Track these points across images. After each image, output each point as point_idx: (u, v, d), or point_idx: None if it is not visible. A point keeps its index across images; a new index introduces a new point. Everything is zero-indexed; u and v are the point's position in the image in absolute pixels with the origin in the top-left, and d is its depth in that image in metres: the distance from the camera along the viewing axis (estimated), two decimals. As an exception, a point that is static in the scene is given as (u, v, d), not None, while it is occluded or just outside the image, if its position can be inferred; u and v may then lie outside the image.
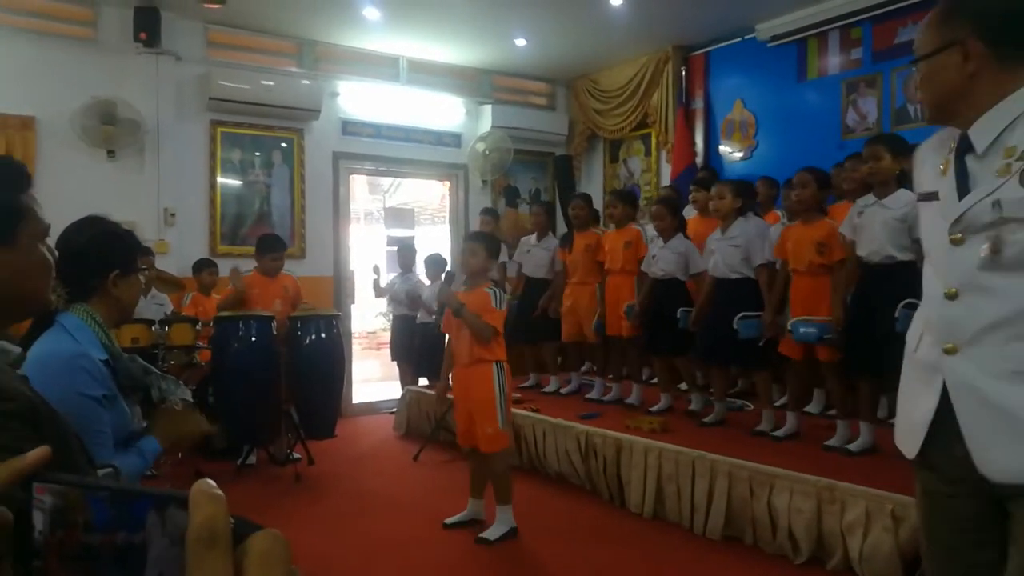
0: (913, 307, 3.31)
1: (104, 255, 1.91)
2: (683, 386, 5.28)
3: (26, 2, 5.67)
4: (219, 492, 0.48)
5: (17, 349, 1.32)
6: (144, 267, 2.07)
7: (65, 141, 5.61)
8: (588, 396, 5.59)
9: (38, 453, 0.58)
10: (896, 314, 3.44)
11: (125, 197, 5.64)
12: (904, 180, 3.77)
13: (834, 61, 5.94)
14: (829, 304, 3.99)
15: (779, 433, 4.24)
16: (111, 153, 5.79)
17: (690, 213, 5.62)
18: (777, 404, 4.73)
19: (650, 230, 5.24)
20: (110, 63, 5.84)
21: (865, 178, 3.85)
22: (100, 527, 0.52)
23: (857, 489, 3.21)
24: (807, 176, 4.11)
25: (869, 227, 3.66)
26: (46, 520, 0.55)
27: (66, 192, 5.06)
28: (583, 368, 6.14)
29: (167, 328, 4.58)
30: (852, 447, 3.84)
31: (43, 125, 5.58)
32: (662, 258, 4.88)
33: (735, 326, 4.28)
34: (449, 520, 3.85)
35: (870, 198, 3.72)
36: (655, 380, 5.59)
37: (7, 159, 1.30)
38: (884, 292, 3.54)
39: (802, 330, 3.98)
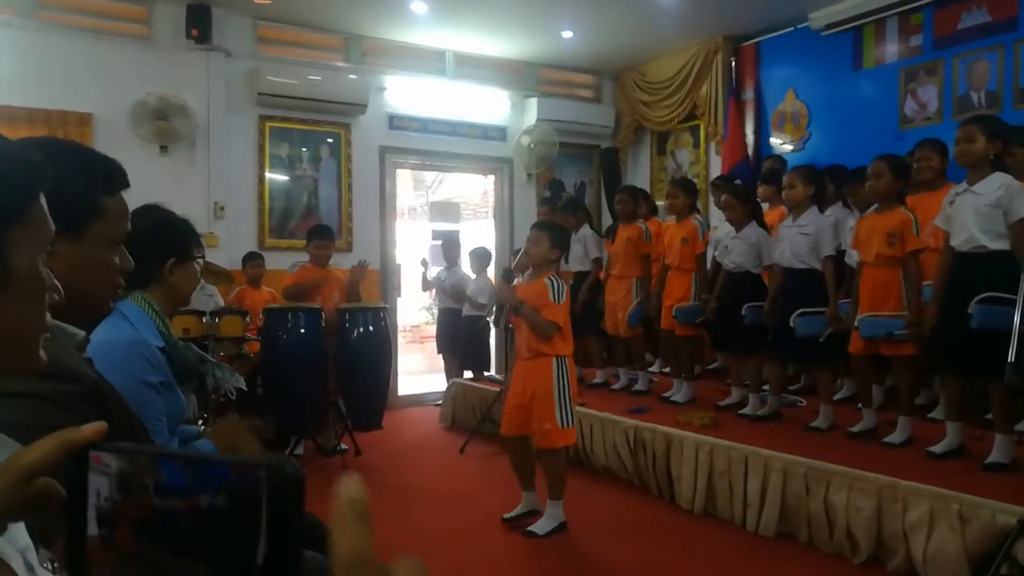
0: (992, 301, 3.19)
1: (161, 243, 1.92)
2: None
3: (82, 1, 5.79)
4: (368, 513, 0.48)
5: (81, 332, 1.33)
6: (200, 256, 2.08)
7: (120, 137, 5.72)
8: (635, 388, 5.53)
9: (94, 427, 0.57)
10: (970, 310, 3.27)
11: (177, 191, 5.72)
12: (999, 163, 3.57)
13: (892, 49, 5.75)
14: (896, 298, 3.82)
15: (856, 429, 4.07)
16: (164, 148, 5.90)
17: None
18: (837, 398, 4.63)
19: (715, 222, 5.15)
20: (163, 60, 5.94)
21: (955, 159, 3.58)
22: (175, 490, 0.51)
23: (920, 488, 3.09)
24: (882, 165, 3.89)
25: (960, 215, 3.45)
26: (112, 485, 0.53)
27: (121, 186, 5.18)
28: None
29: (217, 319, 4.64)
30: (936, 449, 3.62)
31: (99, 121, 5.71)
32: (735, 249, 4.74)
33: (791, 323, 4.17)
34: (507, 515, 3.80)
35: (962, 185, 3.51)
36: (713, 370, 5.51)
37: (104, 158, 1.29)
38: (973, 284, 3.33)
39: (870, 326, 3.83)
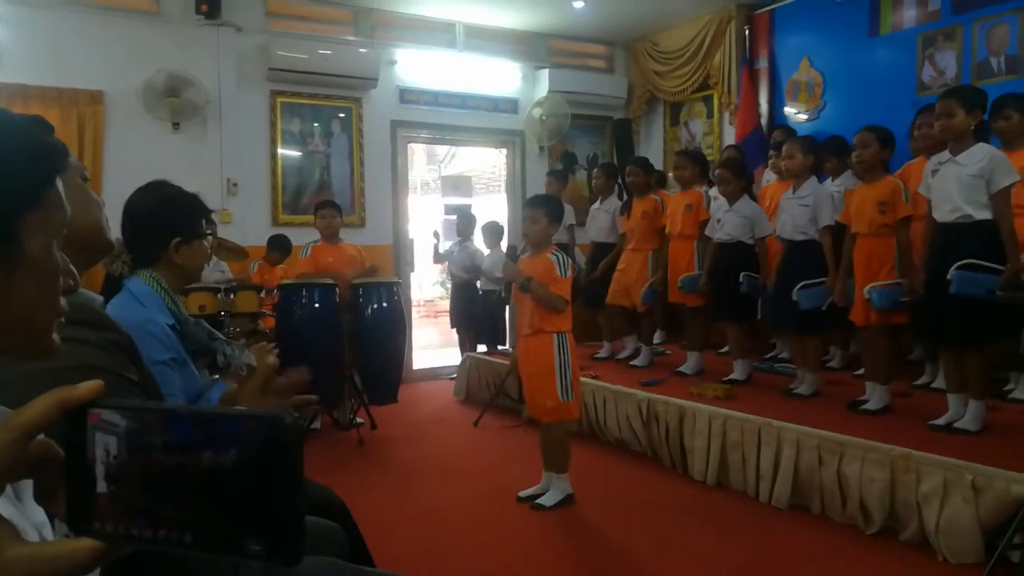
0: (973, 268, 3.21)
1: (166, 221, 1.92)
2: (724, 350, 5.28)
3: (91, -22, 5.78)
4: None
5: (99, 298, 1.36)
6: (210, 232, 2.09)
7: (132, 114, 5.74)
8: (633, 363, 5.54)
9: (90, 384, 0.57)
10: (949, 276, 3.29)
11: (190, 168, 5.75)
12: (983, 133, 3.57)
13: (910, 14, 5.63)
14: (890, 267, 3.85)
15: (871, 406, 4.05)
16: (176, 125, 5.90)
17: (770, 178, 5.50)
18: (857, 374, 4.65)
19: (714, 193, 5.12)
20: (173, 36, 5.92)
21: (937, 136, 3.65)
22: (183, 447, 0.52)
23: (934, 458, 3.08)
24: (868, 135, 3.93)
25: (942, 185, 3.48)
26: (121, 444, 0.55)
27: (134, 164, 5.22)
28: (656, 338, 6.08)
29: (232, 295, 4.67)
30: (938, 422, 3.63)
31: (111, 99, 5.71)
32: (727, 222, 4.77)
33: (794, 297, 4.16)
34: (523, 493, 3.81)
35: (944, 155, 3.53)
36: (725, 349, 5.51)
37: (28, 114, 1.32)
38: (956, 253, 3.36)
39: (880, 296, 3.81)
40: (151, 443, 0.53)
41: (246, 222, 6.16)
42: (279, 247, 5.92)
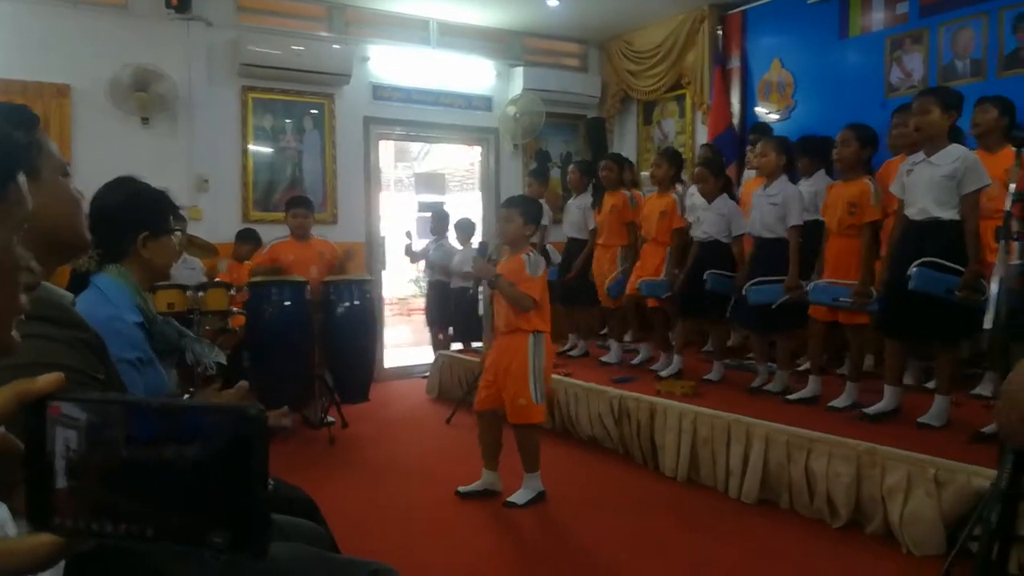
0: (933, 266, 3.29)
1: (132, 216, 1.90)
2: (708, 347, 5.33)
3: (58, -31, 5.68)
4: None
5: (69, 295, 1.34)
6: (179, 229, 2.06)
7: (99, 109, 5.65)
8: (603, 359, 5.57)
9: (49, 378, 0.56)
10: (909, 272, 3.36)
11: (159, 164, 5.68)
12: (956, 135, 3.64)
13: (878, 17, 5.72)
14: (857, 267, 3.91)
15: (793, 396, 4.15)
16: (145, 120, 5.82)
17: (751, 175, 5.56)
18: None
19: (691, 191, 5.17)
20: (142, 30, 5.84)
21: (912, 133, 3.71)
22: (146, 439, 0.52)
23: (899, 453, 3.14)
24: (849, 133, 3.99)
25: (916, 185, 3.54)
26: (81, 437, 0.54)
27: (101, 159, 5.12)
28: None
29: (202, 293, 4.62)
30: (870, 410, 3.75)
31: (78, 93, 5.62)
32: (706, 220, 4.80)
33: (744, 292, 4.23)
34: (463, 489, 3.81)
35: (919, 155, 3.59)
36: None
37: (13, 104, 1.30)
38: (921, 251, 3.42)
39: (819, 293, 3.90)
40: (112, 436, 0.53)
41: (217, 219, 6.09)
42: (248, 239, 5.85)
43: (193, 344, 2.02)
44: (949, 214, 3.42)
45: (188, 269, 5.28)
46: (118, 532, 0.52)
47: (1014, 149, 3.77)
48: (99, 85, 5.61)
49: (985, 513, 1.73)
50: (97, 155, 5.34)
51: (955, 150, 3.46)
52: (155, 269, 1.96)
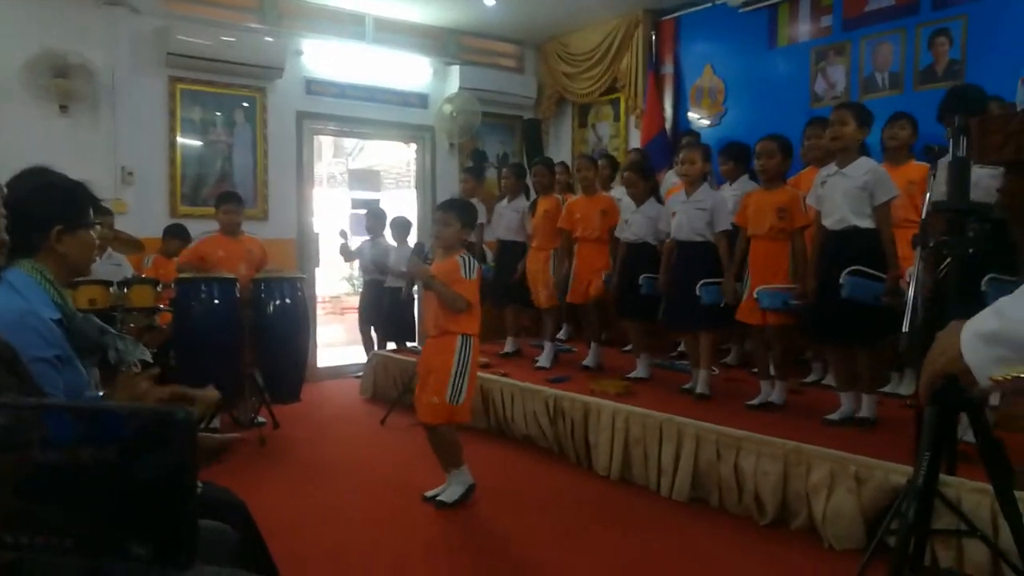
0: (861, 274, 3.45)
1: (45, 209, 1.81)
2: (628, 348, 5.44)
3: (-29, -53, 5.39)
4: None
5: None
6: (98, 223, 1.98)
7: (13, 94, 5.38)
8: (536, 359, 5.61)
9: None
10: (841, 280, 3.51)
11: (79, 154, 5.45)
12: (865, 149, 3.85)
13: (804, 29, 5.92)
14: (785, 270, 4.06)
15: (754, 402, 4.23)
16: (63, 108, 5.58)
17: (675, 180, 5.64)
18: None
19: (619, 195, 5.25)
20: (63, 14, 5.59)
21: (827, 144, 3.88)
22: (62, 443, 0.49)
23: (822, 452, 3.25)
24: (772, 145, 4.13)
25: (831, 196, 3.71)
26: None
27: (15, 148, 4.89)
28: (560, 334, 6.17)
29: (126, 290, 4.46)
30: (832, 416, 3.84)
31: (-9, 77, 5.35)
32: (635, 223, 4.90)
33: (698, 292, 4.32)
34: (428, 493, 3.77)
35: (832, 167, 3.77)
36: (628, 348, 5.65)
37: None
38: (843, 259, 3.58)
39: (768, 298, 4.01)
40: (26, 440, 0.50)
41: (142, 213, 5.89)
42: (176, 236, 5.67)
43: (116, 342, 1.94)
44: (866, 223, 3.60)
45: (113, 265, 5.10)
46: (34, 544, 0.49)
47: (928, 163, 4.01)
48: (13, 70, 5.35)
49: (903, 509, 1.80)
50: (11, 143, 5.08)
51: (865, 162, 3.67)
52: (72, 264, 1.88)
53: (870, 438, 3.49)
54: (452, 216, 3.59)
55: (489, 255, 6.33)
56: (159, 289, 4.66)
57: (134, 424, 0.48)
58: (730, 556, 3.18)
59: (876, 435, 3.54)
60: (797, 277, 4.00)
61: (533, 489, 4.02)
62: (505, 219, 5.95)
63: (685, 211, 4.48)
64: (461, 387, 3.53)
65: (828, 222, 3.73)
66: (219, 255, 4.98)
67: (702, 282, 4.32)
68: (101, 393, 1.80)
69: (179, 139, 6.19)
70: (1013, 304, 0.96)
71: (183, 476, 0.48)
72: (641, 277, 4.76)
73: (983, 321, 0.99)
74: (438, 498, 3.68)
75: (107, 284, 4.34)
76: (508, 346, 6.02)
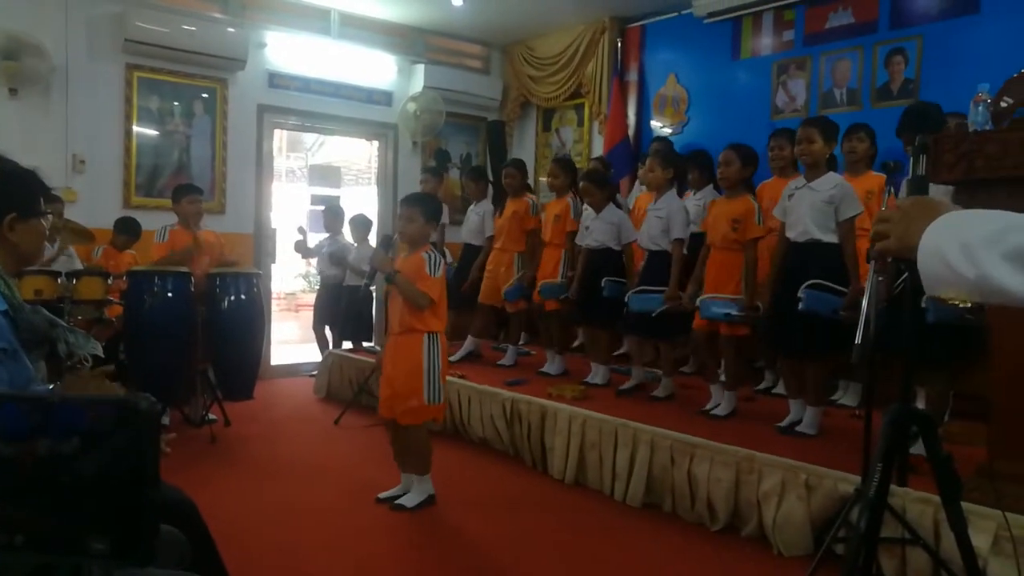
0: (820, 288, 3.52)
1: None
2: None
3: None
4: None
5: None
6: (50, 212, 1.92)
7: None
8: (500, 362, 5.61)
9: None
10: (800, 294, 3.56)
11: (28, 140, 5.30)
12: (832, 163, 3.91)
13: (767, 42, 6.02)
14: (736, 281, 4.09)
15: (709, 407, 4.28)
16: (13, 91, 5.41)
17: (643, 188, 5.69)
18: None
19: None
20: (15, -6, 5.43)
21: (797, 158, 3.95)
22: (14, 436, 0.47)
23: (774, 459, 3.30)
24: (731, 154, 4.16)
25: (797, 209, 3.75)
26: None
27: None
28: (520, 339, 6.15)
29: (74, 281, 4.33)
30: (782, 424, 3.90)
31: (-63, 57, 5.17)
32: (595, 229, 4.92)
33: (626, 299, 4.38)
34: (382, 495, 3.73)
35: (800, 180, 3.82)
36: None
37: None
38: (805, 272, 3.64)
39: (713, 308, 4.07)
40: None
41: (94, 203, 5.74)
42: (127, 230, 5.54)
43: (67, 335, 1.89)
44: (829, 237, 3.65)
45: (64, 256, 4.96)
46: None
47: (884, 175, 4.11)
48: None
49: (856, 520, 1.83)
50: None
51: (832, 177, 3.74)
52: (22, 254, 1.82)
53: (820, 447, 3.56)
54: (416, 211, 3.56)
55: (450, 256, 6.31)
56: (109, 281, 4.55)
57: (93, 415, 0.47)
58: (682, 562, 3.21)
59: (824, 444, 3.61)
60: (747, 289, 4.05)
61: (489, 492, 4.01)
62: (469, 222, 5.95)
63: (647, 219, 4.53)
64: (437, 385, 3.52)
65: (792, 234, 3.77)
66: (190, 247, 4.89)
67: (635, 289, 4.41)
68: (51, 387, 1.74)
69: (135, 128, 6.05)
70: (982, 249, 0.90)
71: (144, 468, 0.46)
72: (604, 280, 4.78)
73: (949, 247, 0.93)
74: (397, 501, 3.64)
75: (55, 275, 4.21)
76: (465, 348, 6.00)
